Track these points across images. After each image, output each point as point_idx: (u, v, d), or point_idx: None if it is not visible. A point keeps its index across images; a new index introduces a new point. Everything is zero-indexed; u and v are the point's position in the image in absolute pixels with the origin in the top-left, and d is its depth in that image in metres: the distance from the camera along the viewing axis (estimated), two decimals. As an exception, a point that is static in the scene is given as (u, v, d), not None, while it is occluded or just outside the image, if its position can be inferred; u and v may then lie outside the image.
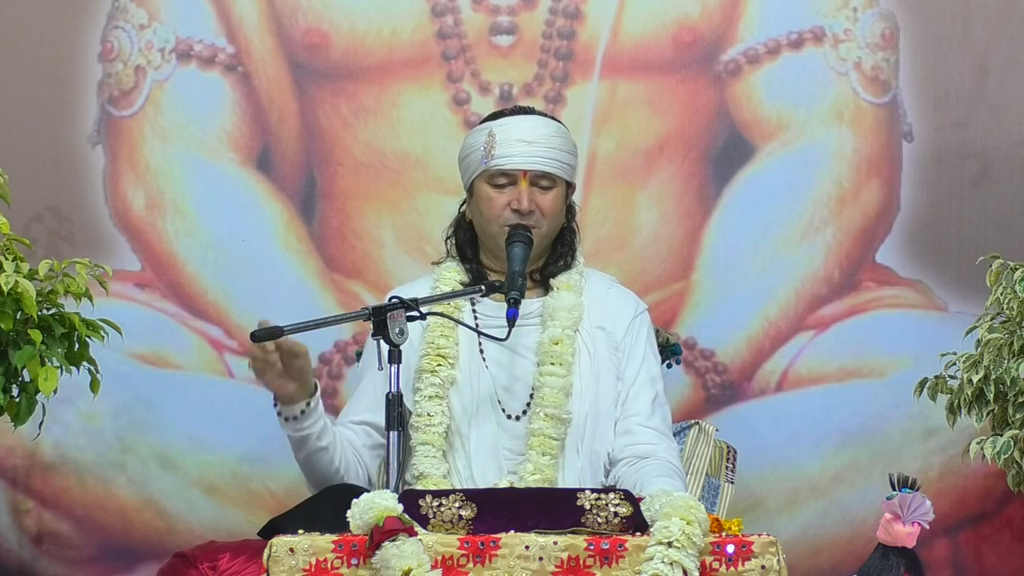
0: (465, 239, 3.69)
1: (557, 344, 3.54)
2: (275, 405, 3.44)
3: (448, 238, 3.73)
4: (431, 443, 3.50)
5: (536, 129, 3.64)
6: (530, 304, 3.59)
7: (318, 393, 3.44)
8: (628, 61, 4.60)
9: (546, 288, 3.65)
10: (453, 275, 3.66)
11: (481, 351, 3.60)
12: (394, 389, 3.23)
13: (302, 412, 3.42)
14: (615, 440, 3.55)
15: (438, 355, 3.56)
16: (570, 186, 3.70)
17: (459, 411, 3.55)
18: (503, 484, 3.43)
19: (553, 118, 3.74)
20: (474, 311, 3.64)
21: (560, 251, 3.68)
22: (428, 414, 3.51)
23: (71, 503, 4.56)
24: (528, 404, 3.55)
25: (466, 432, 3.54)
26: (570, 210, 3.72)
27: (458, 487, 3.48)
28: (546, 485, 3.45)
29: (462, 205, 3.72)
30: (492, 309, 3.61)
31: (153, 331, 4.56)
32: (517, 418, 3.56)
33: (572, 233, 3.72)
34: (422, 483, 3.47)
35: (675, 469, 3.51)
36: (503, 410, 3.56)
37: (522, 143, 3.60)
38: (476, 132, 3.68)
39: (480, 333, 3.53)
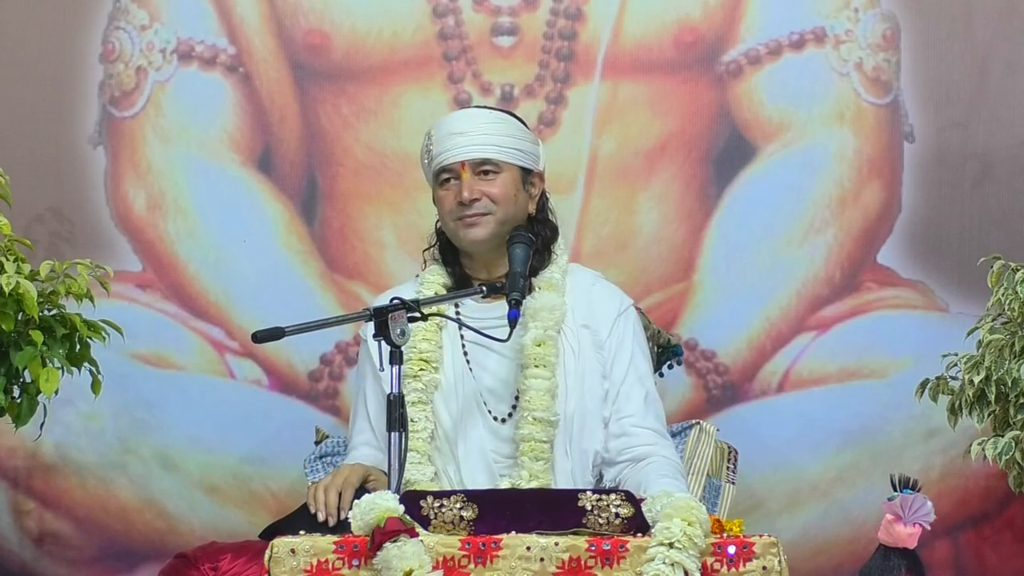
0: (446, 247, 3.68)
1: (540, 346, 3.51)
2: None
3: (427, 249, 3.71)
4: (416, 449, 3.47)
5: (468, 120, 3.62)
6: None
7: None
8: (629, 62, 4.60)
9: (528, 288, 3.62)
10: (436, 278, 3.64)
11: (465, 354, 3.59)
12: (395, 390, 3.23)
13: None
14: (611, 442, 3.53)
15: (420, 359, 3.53)
16: (530, 172, 3.64)
17: (445, 415, 3.53)
18: (504, 485, 3.44)
19: (504, 111, 3.71)
20: (458, 313, 3.62)
21: (535, 245, 3.61)
22: (412, 420, 3.44)
23: (72, 504, 4.56)
24: (514, 406, 3.54)
25: (454, 437, 3.52)
26: (541, 199, 3.67)
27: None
28: None
29: (437, 221, 3.70)
30: (475, 311, 3.59)
31: (154, 332, 4.56)
32: (503, 420, 3.55)
33: (547, 226, 3.67)
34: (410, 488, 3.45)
35: (676, 466, 3.51)
36: (489, 412, 3.55)
37: (454, 136, 3.58)
38: (423, 142, 3.67)
39: (482, 334, 3.51)
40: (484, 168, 3.57)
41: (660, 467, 3.46)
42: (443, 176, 3.59)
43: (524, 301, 3.51)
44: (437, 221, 3.70)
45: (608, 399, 3.56)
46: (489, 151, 3.58)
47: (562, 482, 3.50)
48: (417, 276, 3.71)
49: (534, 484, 3.45)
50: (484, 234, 3.56)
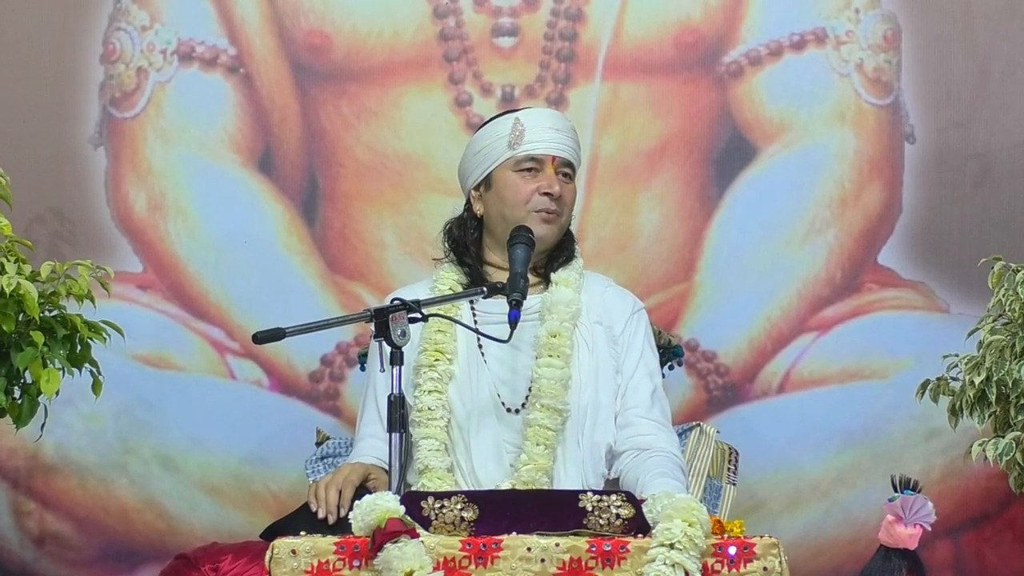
0: (473, 237, 3.69)
1: (555, 337, 3.55)
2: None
3: (446, 233, 3.72)
4: (434, 436, 3.52)
5: (560, 119, 3.72)
6: (529, 300, 3.58)
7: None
8: (630, 62, 4.60)
9: (547, 283, 3.66)
10: (451, 275, 3.67)
11: (480, 347, 3.60)
12: (396, 391, 3.23)
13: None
14: (616, 433, 3.56)
15: (436, 350, 3.57)
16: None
17: (459, 406, 3.56)
18: (505, 486, 3.44)
19: None
20: (473, 309, 3.65)
21: (563, 243, 3.69)
22: (429, 408, 3.52)
23: (73, 504, 4.56)
24: (527, 397, 3.55)
25: (467, 427, 3.55)
26: None
27: (461, 482, 3.51)
28: (540, 475, 3.46)
29: (467, 204, 3.71)
30: (491, 306, 3.61)
31: (155, 333, 4.56)
32: (516, 411, 3.56)
33: (569, 232, 3.74)
34: (427, 476, 3.48)
35: (676, 461, 3.52)
36: (503, 403, 3.56)
37: (551, 130, 3.65)
38: (497, 123, 3.69)
39: (481, 334, 3.53)
40: (566, 171, 3.67)
41: (659, 463, 3.47)
42: (527, 164, 3.64)
43: (541, 296, 3.61)
44: (465, 207, 3.70)
45: (618, 393, 3.58)
46: (573, 156, 3.68)
47: (574, 473, 3.52)
48: (435, 260, 3.73)
49: (530, 467, 3.46)
50: (553, 234, 3.63)
